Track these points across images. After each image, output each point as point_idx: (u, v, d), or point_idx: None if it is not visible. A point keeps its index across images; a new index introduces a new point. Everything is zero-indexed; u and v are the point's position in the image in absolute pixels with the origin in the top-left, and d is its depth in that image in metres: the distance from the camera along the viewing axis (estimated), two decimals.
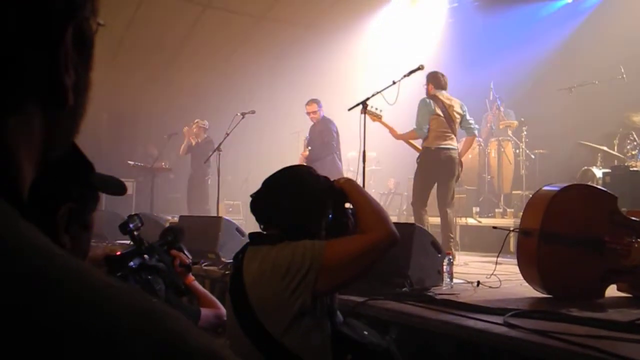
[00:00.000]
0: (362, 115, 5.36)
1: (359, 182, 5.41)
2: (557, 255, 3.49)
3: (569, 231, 3.50)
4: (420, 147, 6.43)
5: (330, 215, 2.22)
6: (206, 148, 9.40)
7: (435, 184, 6.32)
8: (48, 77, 0.49)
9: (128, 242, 7.40)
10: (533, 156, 8.75)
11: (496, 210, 8.33)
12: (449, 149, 6.27)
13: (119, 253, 2.55)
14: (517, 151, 8.82)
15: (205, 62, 11.45)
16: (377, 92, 5.68)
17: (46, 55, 0.48)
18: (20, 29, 0.45)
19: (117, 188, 1.16)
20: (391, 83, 5.70)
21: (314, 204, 2.20)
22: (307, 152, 7.95)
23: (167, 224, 6.59)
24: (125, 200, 10.25)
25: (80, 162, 0.72)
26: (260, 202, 2.26)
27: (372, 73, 10.64)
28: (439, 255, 4.07)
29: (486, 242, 8.25)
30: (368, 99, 5.49)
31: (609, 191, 3.82)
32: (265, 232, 2.26)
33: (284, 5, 11.05)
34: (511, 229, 4.11)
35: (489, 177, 8.89)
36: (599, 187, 4.41)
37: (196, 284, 2.99)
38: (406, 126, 6.56)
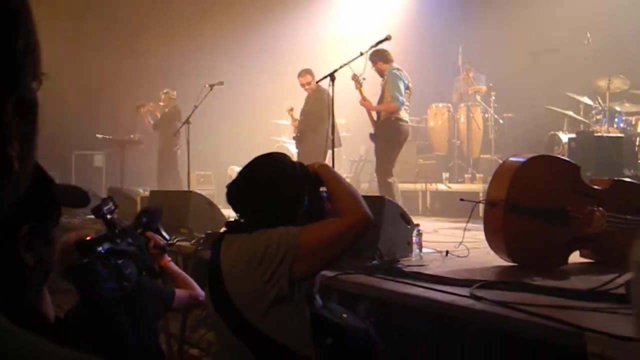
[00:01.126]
0: (330, 88, 5.37)
1: (330, 155, 5.59)
2: (522, 225, 3.58)
3: (533, 202, 3.59)
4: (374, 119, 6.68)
5: (306, 202, 2.25)
6: (174, 117, 9.37)
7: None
8: None
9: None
10: (502, 121, 8.90)
11: (465, 175, 8.48)
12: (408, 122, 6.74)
13: (89, 238, 2.56)
14: (486, 116, 8.92)
15: (171, 29, 11.34)
16: (345, 64, 5.73)
17: None
18: None
19: (80, 200, 1.16)
20: (359, 54, 5.78)
21: (290, 190, 2.24)
22: (296, 123, 7.91)
23: (138, 198, 6.59)
24: (96, 173, 10.34)
25: (39, 178, 0.72)
26: (236, 192, 2.29)
27: (340, 43, 10.66)
28: (409, 226, 4.14)
29: (456, 208, 8.19)
30: (336, 70, 5.50)
31: (572, 161, 3.91)
32: (242, 221, 2.28)
33: None
34: (478, 200, 4.17)
35: (459, 142, 9.05)
36: (562, 157, 4.52)
37: (172, 265, 3.01)
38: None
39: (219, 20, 11.42)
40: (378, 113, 6.70)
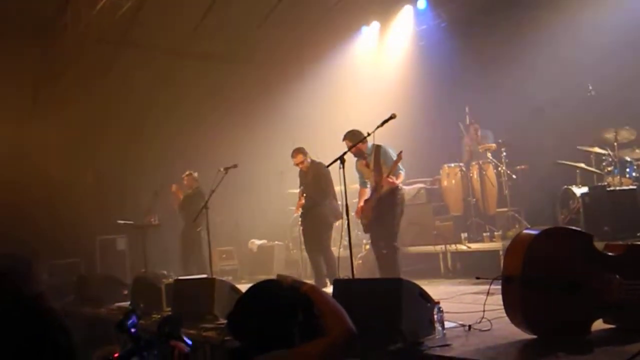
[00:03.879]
0: (341, 171, 5.52)
1: (345, 236, 5.70)
2: (541, 299, 3.59)
3: (549, 275, 3.61)
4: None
5: (300, 319, 2.46)
6: (197, 200, 9.52)
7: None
8: None
9: (125, 304, 7.45)
10: (514, 176, 8.87)
11: (484, 234, 8.42)
12: None
13: (116, 355, 2.62)
14: (500, 170, 8.93)
15: (184, 109, 11.74)
16: (353, 146, 5.90)
17: None
18: None
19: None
20: (366, 135, 5.96)
21: (284, 315, 2.44)
22: (303, 200, 8.07)
23: (163, 286, 6.70)
24: (119, 256, 10.53)
25: None
26: (235, 323, 2.51)
27: (347, 108, 11.03)
28: (429, 305, 4.18)
29: (478, 266, 8.27)
30: (345, 153, 5.73)
31: (583, 231, 3.95)
32: (243, 350, 2.47)
33: (251, 47, 11.55)
34: (493, 278, 4.19)
35: (474, 200, 9.04)
36: (574, 228, 4.53)
37: None
38: None
39: (231, 98, 11.93)
40: (376, 186, 6.96)
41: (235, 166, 7.82)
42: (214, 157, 10.27)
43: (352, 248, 5.70)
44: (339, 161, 5.61)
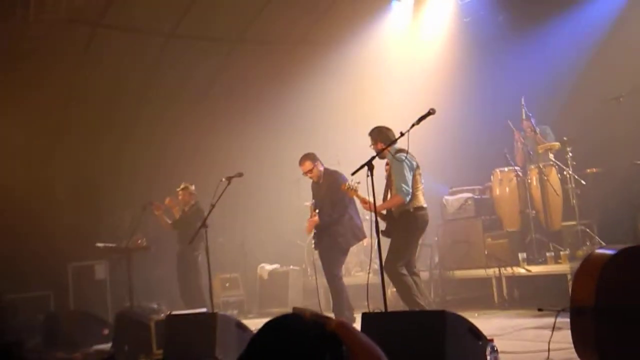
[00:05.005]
0: (369, 179, 5.48)
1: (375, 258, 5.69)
2: (619, 335, 3.56)
3: (628, 304, 3.58)
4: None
5: None
6: (194, 218, 9.55)
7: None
8: None
9: (106, 346, 7.51)
10: (584, 182, 8.77)
11: (547, 254, 8.33)
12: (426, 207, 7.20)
13: None
14: (565, 174, 8.83)
15: (176, 111, 11.81)
16: (385, 148, 6.07)
17: None
18: None
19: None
20: (399, 135, 5.99)
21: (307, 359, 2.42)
22: (316, 217, 8.05)
23: (153, 324, 6.74)
24: (99, 289, 10.42)
25: None
26: None
27: (375, 102, 11.07)
28: (480, 342, 4.16)
29: (540, 294, 8.41)
30: (374, 158, 5.66)
31: None
32: None
33: (258, 28, 11.55)
34: (559, 309, 4.17)
35: (533, 212, 8.92)
36: None
37: None
38: None
39: (234, 90, 11.96)
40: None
41: (240, 175, 7.80)
42: (215, 165, 10.40)
43: (383, 273, 5.56)
44: (365, 168, 5.51)
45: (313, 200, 8.27)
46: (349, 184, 7.08)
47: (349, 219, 8.06)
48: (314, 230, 8.17)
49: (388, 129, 7.05)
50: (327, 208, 8.05)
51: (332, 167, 8.48)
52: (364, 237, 8.36)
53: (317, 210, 8.09)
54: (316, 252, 8.33)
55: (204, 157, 11.26)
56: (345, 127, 10.79)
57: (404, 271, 6.90)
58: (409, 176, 6.89)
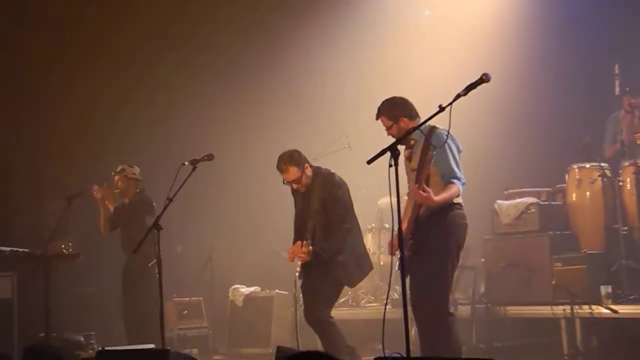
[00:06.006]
0: (392, 168, 5.10)
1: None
2: None
3: None
4: None
5: None
6: (141, 211, 9.40)
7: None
8: None
9: None
10: None
11: None
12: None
13: None
14: None
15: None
16: (413, 130, 6.00)
17: None
18: None
19: None
20: (437, 110, 5.57)
21: None
22: (305, 249, 7.30)
23: None
24: (1, 312, 9.81)
25: None
26: None
27: (399, 68, 11.34)
28: None
29: (631, 344, 8.14)
30: (400, 141, 5.58)
31: None
32: None
33: None
34: None
35: (625, 228, 8.50)
36: None
37: None
38: None
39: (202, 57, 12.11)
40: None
41: (210, 158, 7.38)
42: (176, 144, 10.84)
43: (407, 308, 5.30)
44: (388, 153, 5.10)
45: (297, 219, 7.77)
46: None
47: (351, 244, 7.48)
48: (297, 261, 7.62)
49: (405, 100, 6.74)
50: (322, 233, 7.40)
51: (341, 153, 8.54)
52: (371, 268, 7.93)
53: (307, 241, 7.38)
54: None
55: (161, 135, 11.22)
56: (358, 100, 10.66)
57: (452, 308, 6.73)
58: (457, 159, 6.62)
